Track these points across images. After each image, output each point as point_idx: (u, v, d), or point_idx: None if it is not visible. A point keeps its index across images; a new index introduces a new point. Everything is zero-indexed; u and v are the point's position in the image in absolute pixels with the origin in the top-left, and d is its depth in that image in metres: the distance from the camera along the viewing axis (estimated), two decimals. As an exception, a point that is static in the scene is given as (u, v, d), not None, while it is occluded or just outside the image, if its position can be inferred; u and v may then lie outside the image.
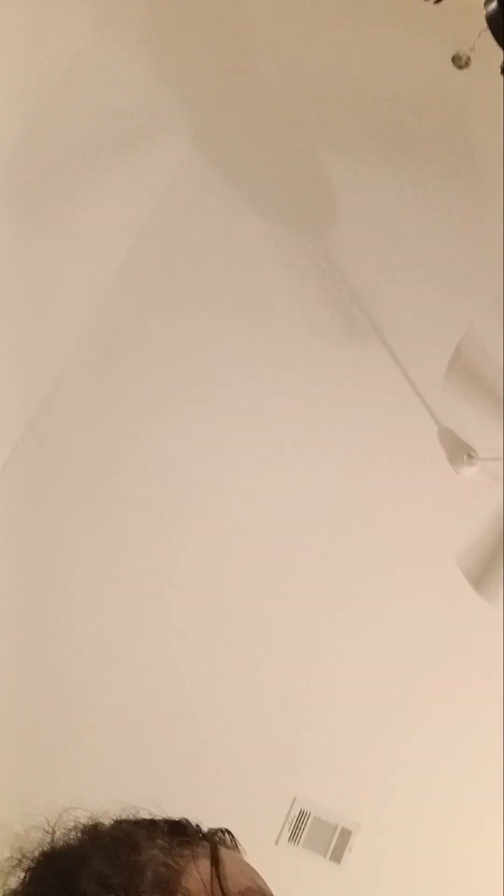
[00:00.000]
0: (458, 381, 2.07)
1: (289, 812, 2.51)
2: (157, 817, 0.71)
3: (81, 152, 1.84)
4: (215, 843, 0.68)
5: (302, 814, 2.50)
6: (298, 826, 2.50)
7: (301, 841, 2.50)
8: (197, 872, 0.63)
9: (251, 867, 0.71)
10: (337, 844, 2.50)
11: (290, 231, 1.98)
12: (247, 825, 2.39)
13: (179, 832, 0.68)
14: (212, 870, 0.64)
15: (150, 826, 0.69)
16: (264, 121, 1.88)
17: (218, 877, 0.63)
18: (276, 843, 2.50)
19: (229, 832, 0.74)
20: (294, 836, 2.50)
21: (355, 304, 2.04)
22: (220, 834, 0.72)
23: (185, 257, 2.06)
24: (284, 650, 2.46)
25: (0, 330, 1.92)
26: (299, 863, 2.51)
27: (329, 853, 2.50)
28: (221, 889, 0.62)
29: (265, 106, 1.83)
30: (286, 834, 2.50)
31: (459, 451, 2.23)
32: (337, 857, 2.50)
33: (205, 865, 0.64)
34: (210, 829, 0.72)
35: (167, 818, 0.71)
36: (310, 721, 2.50)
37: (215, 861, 0.65)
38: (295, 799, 2.50)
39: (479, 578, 2.30)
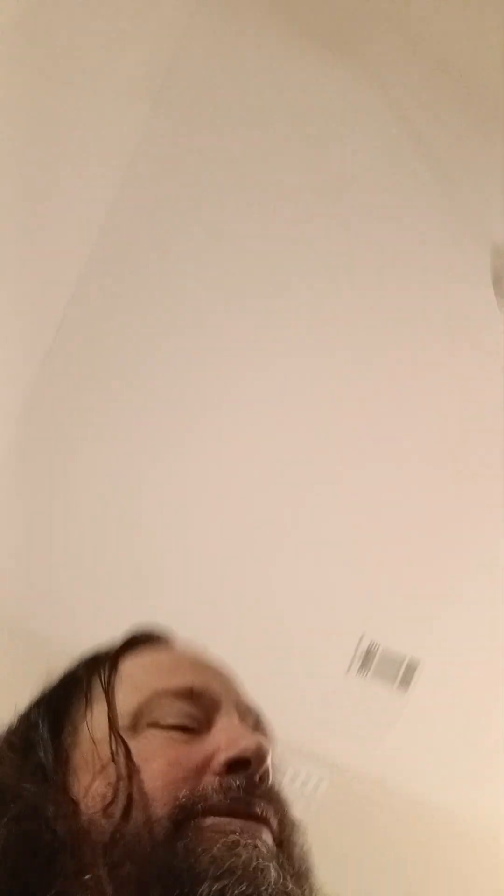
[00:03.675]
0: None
1: (357, 646, 2.62)
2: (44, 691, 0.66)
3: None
4: (113, 667, 0.63)
5: (371, 647, 2.62)
6: (368, 658, 2.63)
7: (370, 671, 2.63)
8: (88, 724, 0.60)
9: (175, 656, 0.66)
10: (404, 674, 2.63)
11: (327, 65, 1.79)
12: (318, 659, 2.51)
13: (64, 691, 0.64)
14: (108, 712, 0.59)
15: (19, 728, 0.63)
16: None
17: (111, 716, 0.59)
18: (347, 673, 2.64)
19: (148, 628, 0.69)
20: (364, 667, 2.63)
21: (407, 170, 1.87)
22: (131, 640, 0.67)
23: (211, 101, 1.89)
24: (344, 485, 2.49)
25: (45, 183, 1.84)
26: (369, 691, 2.66)
27: (397, 682, 2.64)
28: (115, 730, 0.58)
29: None
30: (356, 665, 2.63)
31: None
32: (405, 685, 2.64)
33: (100, 705, 0.61)
34: (117, 644, 0.67)
35: (63, 672, 0.67)
36: (376, 559, 2.56)
37: (109, 701, 0.60)
38: (363, 634, 2.61)
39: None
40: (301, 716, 2.54)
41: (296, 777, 2.58)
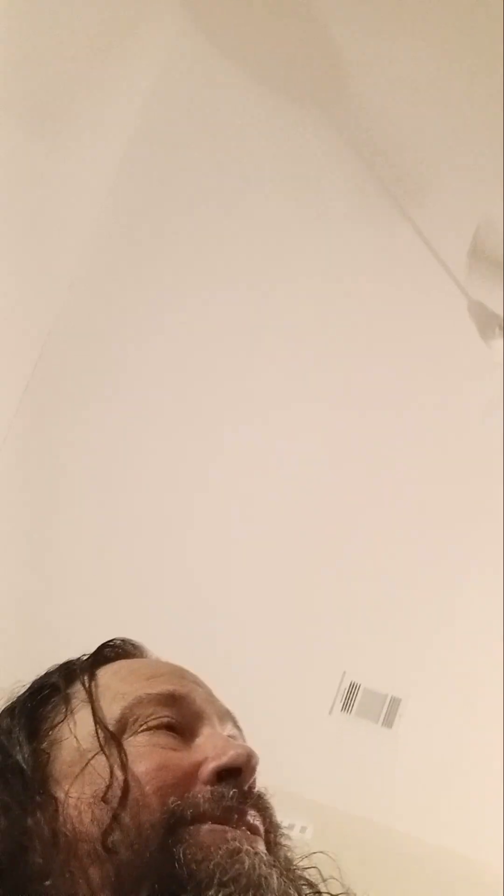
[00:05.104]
0: (486, 252, 1.99)
1: (339, 685, 2.61)
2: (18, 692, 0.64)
3: (68, 44, 1.75)
4: (92, 674, 0.62)
5: (352, 686, 2.61)
6: (350, 697, 2.61)
7: (353, 710, 2.61)
8: (71, 729, 0.58)
9: (152, 665, 0.65)
10: (388, 712, 2.61)
11: (297, 104, 1.89)
12: (300, 699, 2.49)
13: (39, 697, 0.62)
14: (93, 712, 0.58)
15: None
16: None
17: (97, 718, 0.57)
18: (330, 712, 2.62)
19: (122, 640, 0.68)
20: (346, 706, 2.62)
21: (373, 178, 1.96)
22: (104, 651, 0.66)
23: (187, 146, 1.99)
24: (325, 527, 2.51)
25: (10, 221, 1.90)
26: (352, 729, 2.64)
27: (381, 720, 2.62)
28: (103, 728, 0.57)
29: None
30: (338, 705, 2.62)
31: (491, 323, 2.17)
32: (389, 722, 2.62)
33: (83, 714, 0.59)
34: (89, 655, 0.66)
35: (34, 681, 0.65)
36: (354, 596, 2.56)
37: (92, 702, 0.59)
38: (345, 672, 2.60)
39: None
40: (284, 757, 2.52)
41: (280, 822, 2.54)
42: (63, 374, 2.33)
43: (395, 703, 2.61)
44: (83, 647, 0.68)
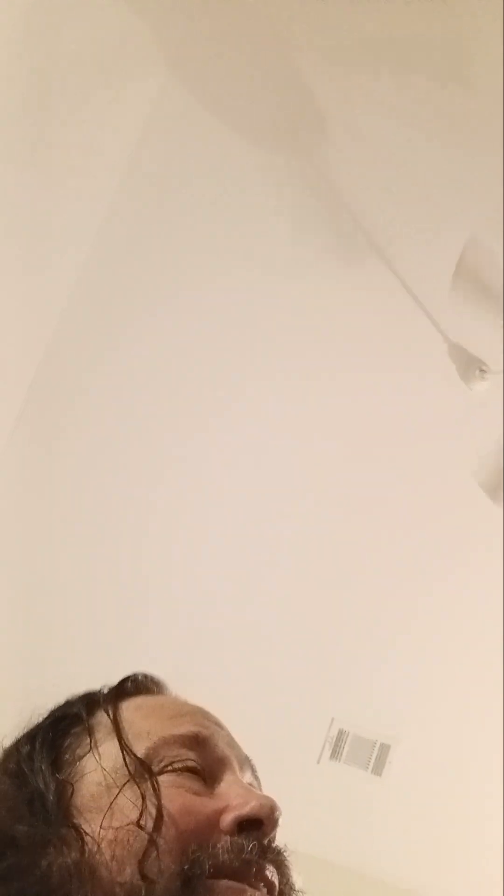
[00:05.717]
0: (465, 294, 2.03)
1: (328, 732, 2.58)
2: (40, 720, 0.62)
3: (53, 90, 1.80)
4: (116, 707, 0.60)
5: (341, 733, 2.57)
6: (339, 744, 2.58)
7: (342, 758, 2.58)
8: (96, 761, 0.56)
9: (175, 703, 0.64)
10: (377, 758, 2.58)
11: (279, 154, 1.94)
12: (288, 747, 2.45)
13: (61, 726, 0.60)
14: (121, 746, 0.56)
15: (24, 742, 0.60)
16: (244, 37, 1.81)
17: (125, 747, 0.56)
18: (319, 761, 2.58)
19: (144, 675, 0.66)
20: (335, 753, 2.58)
21: (352, 222, 2.00)
22: (126, 685, 0.64)
23: (174, 190, 2.03)
24: (312, 574, 2.50)
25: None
26: (342, 777, 2.60)
27: (370, 767, 2.58)
28: (133, 756, 0.55)
29: (244, 21, 1.76)
30: (327, 752, 2.58)
31: (471, 366, 2.20)
32: (378, 769, 2.58)
33: (108, 747, 0.57)
34: (111, 687, 0.64)
35: (53, 709, 0.63)
36: (342, 642, 2.55)
37: (119, 736, 0.57)
38: (333, 719, 2.57)
39: (496, 489, 2.30)
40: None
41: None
42: (61, 389, 2.34)
43: (384, 749, 2.57)
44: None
